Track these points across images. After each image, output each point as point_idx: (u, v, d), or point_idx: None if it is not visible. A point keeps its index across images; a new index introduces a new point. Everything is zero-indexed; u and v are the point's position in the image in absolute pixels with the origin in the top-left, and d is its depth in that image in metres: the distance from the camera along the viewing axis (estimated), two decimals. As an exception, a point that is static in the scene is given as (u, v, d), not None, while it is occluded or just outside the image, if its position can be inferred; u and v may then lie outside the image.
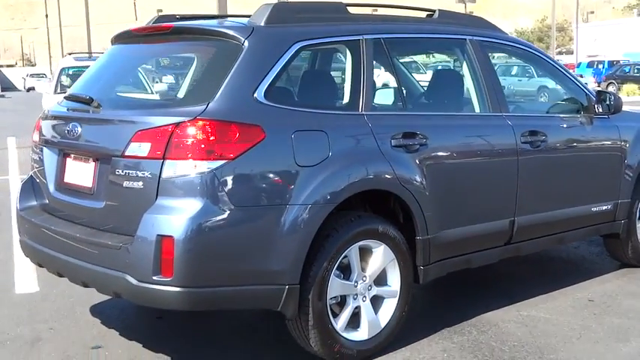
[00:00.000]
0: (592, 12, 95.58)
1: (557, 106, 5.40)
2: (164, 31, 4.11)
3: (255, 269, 3.63)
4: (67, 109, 4.31)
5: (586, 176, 5.30)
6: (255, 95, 3.70)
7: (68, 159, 4.14)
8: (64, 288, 5.42)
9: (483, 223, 4.61)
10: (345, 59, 4.20)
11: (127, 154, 3.65)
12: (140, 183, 3.58)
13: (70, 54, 15.64)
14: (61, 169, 4.19)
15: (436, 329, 4.51)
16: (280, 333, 4.36)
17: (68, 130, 4.02)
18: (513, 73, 21.18)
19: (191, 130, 3.50)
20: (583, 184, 5.28)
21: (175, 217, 3.46)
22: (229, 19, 4.49)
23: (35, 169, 4.44)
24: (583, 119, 5.27)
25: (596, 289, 5.36)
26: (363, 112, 4.07)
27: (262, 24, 3.90)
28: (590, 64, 42.04)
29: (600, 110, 5.35)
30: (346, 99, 4.12)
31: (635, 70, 35.46)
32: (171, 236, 3.44)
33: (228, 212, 3.51)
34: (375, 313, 4.12)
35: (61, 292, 5.35)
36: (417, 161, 4.16)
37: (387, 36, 4.36)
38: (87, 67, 14.21)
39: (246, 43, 3.77)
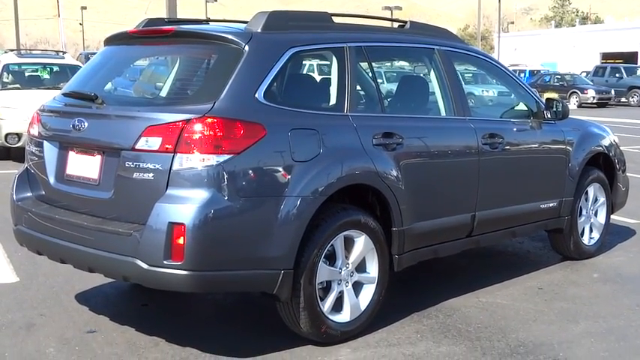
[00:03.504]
0: (512, 22, 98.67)
1: (510, 112, 5.91)
2: (165, 34, 4.40)
3: (255, 255, 3.96)
4: (67, 105, 4.54)
5: (536, 176, 5.82)
6: (256, 95, 4.03)
7: (71, 152, 4.37)
8: (43, 278, 5.62)
9: (449, 216, 5.06)
10: (332, 64, 4.58)
11: (137, 147, 3.92)
12: (150, 175, 3.87)
13: (11, 50, 15.52)
14: (62, 162, 4.41)
15: (406, 314, 4.93)
16: (261, 316, 4.71)
17: (73, 125, 4.25)
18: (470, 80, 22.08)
19: (200, 127, 3.81)
20: (533, 182, 5.80)
21: (186, 206, 3.77)
22: (222, 24, 4.81)
23: (32, 162, 4.65)
24: (533, 124, 5.79)
25: (543, 278, 5.89)
26: (348, 113, 4.46)
27: (259, 30, 4.24)
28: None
29: (549, 116, 5.89)
30: (333, 101, 4.50)
31: (555, 80, 37.04)
32: (182, 223, 3.74)
33: (233, 202, 3.84)
34: (356, 298, 4.50)
35: (43, 282, 5.54)
36: (394, 159, 4.57)
37: (367, 44, 4.77)
38: (35, 63, 14.21)
39: (246, 48, 4.10)
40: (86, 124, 4.21)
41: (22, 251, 6.31)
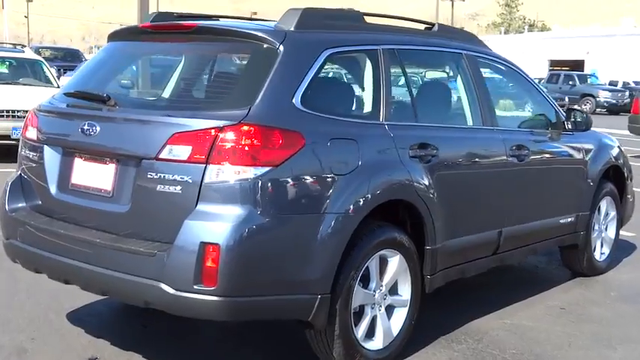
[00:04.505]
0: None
1: (530, 122, 5.61)
2: (186, 30, 3.95)
3: (292, 278, 3.57)
4: (71, 106, 4.06)
5: (556, 189, 5.55)
6: (293, 101, 3.63)
7: (77, 159, 3.90)
8: (25, 295, 5.10)
9: (478, 233, 4.74)
10: (366, 68, 4.20)
11: (161, 157, 3.48)
12: (177, 187, 3.43)
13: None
14: (66, 170, 3.93)
15: (432, 337, 4.57)
16: (272, 338, 4.31)
17: (82, 129, 3.78)
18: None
19: (236, 135, 3.39)
20: (554, 196, 5.53)
21: (220, 224, 3.34)
22: (238, 21, 4.39)
23: (28, 168, 4.15)
24: (554, 135, 5.50)
25: (561, 297, 5.61)
26: (384, 122, 4.09)
27: (293, 29, 3.84)
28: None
29: (569, 127, 5.62)
30: (368, 108, 4.12)
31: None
32: (216, 244, 3.32)
33: (271, 220, 3.43)
34: (389, 322, 4.14)
35: (26, 300, 5.02)
36: (429, 172, 4.22)
37: (400, 47, 4.40)
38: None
39: (281, 48, 3.69)
40: (98, 128, 3.74)
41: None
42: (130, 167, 3.64)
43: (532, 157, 5.14)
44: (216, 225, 3.35)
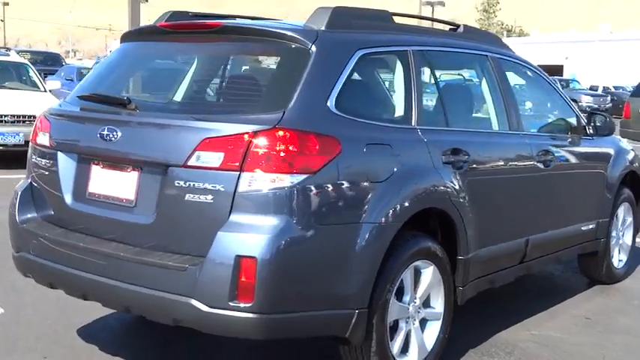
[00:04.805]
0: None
1: (554, 126, 5.45)
2: (209, 30, 3.73)
3: (329, 292, 3.37)
4: (86, 110, 3.83)
5: (579, 196, 5.40)
6: (328, 104, 3.43)
7: (95, 166, 3.66)
8: (32, 309, 4.85)
9: (507, 242, 4.57)
10: (396, 70, 4.01)
11: (190, 164, 3.26)
12: (209, 197, 3.21)
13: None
14: (83, 178, 3.70)
15: (462, 351, 4.39)
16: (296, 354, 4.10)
17: (102, 135, 3.54)
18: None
19: (271, 140, 3.18)
20: (577, 203, 5.38)
21: (257, 236, 3.13)
22: (257, 20, 4.18)
23: (39, 176, 3.91)
24: (576, 140, 5.35)
25: (584, 306, 5.45)
26: (417, 127, 3.90)
27: (324, 28, 3.63)
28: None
29: (591, 132, 5.47)
30: (400, 112, 3.93)
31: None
32: (253, 257, 3.11)
33: (309, 231, 3.22)
34: (422, 337, 3.94)
35: (33, 314, 4.75)
36: (461, 178, 4.05)
37: (428, 48, 4.22)
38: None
39: (313, 48, 3.49)
40: (119, 133, 3.51)
41: (-3, 274, 5.55)
42: (155, 175, 3.41)
43: (557, 162, 4.98)
44: (252, 237, 3.13)
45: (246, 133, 3.19)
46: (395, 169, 3.60)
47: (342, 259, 3.37)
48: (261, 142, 3.17)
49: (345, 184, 3.37)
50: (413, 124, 3.89)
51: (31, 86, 12.55)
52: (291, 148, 3.19)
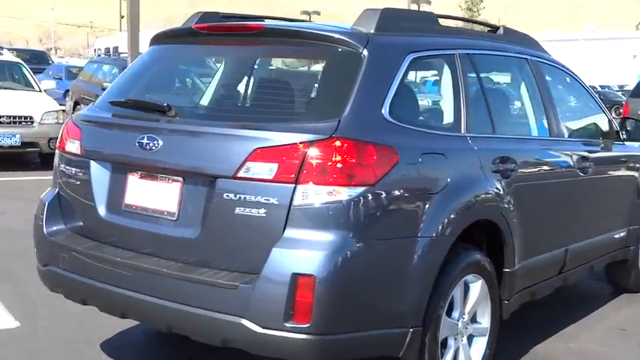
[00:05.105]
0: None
1: (588, 131, 5.30)
2: (250, 32, 3.54)
3: (385, 310, 3.21)
4: (119, 116, 3.62)
5: (612, 203, 5.27)
6: (383, 112, 3.26)
7: (132, 176, 3.46)
8: (48, 322, 4.64)
9: (548, 252, 4.42)
10: (444, 74, 3.84)
11: (240, 175, 3.07)
12: (261, 210, 3.02)
13: None
14: (118, 188, 3.50)
15: (504, 366, 4.24)
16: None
17: (141, 143, 3.34)
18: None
19: (328, 151, 3.00)
20: (610, 210, 5.24)
21: (315, 253, 2.95)
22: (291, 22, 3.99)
23: (68, 185, 3.70)
24: (608, 145, 5.22)
25: (616, 317, 5.31)
26: (466, 134, 3.74)
27: (373, 31, 3.45)
28: (434, 83, 43.45)
29: (623, 136, 5.34)
30: (449, 119, 3.77)
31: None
32: (311, 275, 2.93)
33: (367, 246, 3.05)
34: (470, 354, 3.78)
35: (50, 327, 4.54)
36: (509, 188, 3.89)
37: (474, 51, 4.06)
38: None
39: (365, 52, 3.31)
40: (160, 142, 3.31)
41: (9, 285, 5.32)
42: (199, 187, 3.22)
43: (593, 169, 4.83)
44: (309, 253, 2.95)
45: (301, 142, 3.01)
46: (449, 180, 3.44)
47: (399, 275, 3.20)
48: (318, 152, 2.99)
49: (402, 197, 3.21)
50: (462, 131, 3.73)
51: (26, 86, 12.26)
52: (349, 159, 3.01)
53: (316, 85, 3.51)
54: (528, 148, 4.28)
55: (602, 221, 5.12)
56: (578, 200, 4.68)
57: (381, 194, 3.11)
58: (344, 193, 2.99)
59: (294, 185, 2.98)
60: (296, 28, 3.56)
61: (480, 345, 3.85)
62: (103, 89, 14.27)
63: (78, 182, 3.65)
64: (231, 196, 3.08)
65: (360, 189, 3.03)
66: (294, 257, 2.96)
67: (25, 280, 5.24)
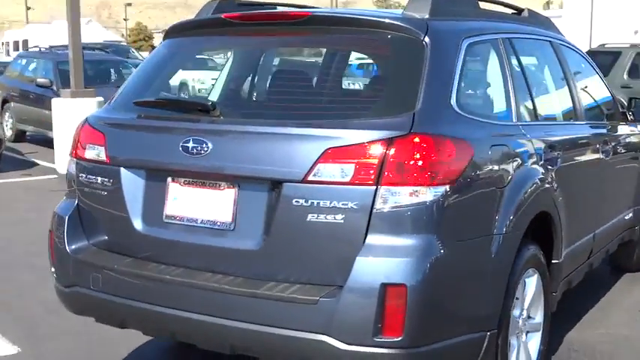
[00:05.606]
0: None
1: (601, 114, 5.19)
2: (293, 20, 3.23)
3: (468, 315, 3.00)
4: (148, 117, 3.28)
5: (624, 184, 5.20)
6: (452, 103, 3.02)
7: (173, 184, 3.12)
8: (49, 345, 4.25)
9: (583, 238, 4.31)
10: (491, 60, 3.63)
11: (311, 178, 2.78)
12: (338, 216, 2.75)
13: None
14: (156, 198, 3.15)
15: (545, 358, 4.09)
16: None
17: (185, 147, 3.00)
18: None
19: (408, 148, 2.75)
20: (622, 192, 5.18)
21: (403, 260, 2.71)
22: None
23: (92, 197, 3.32)
24: (619, 127, 5.14)
25: (629, 300, 5.25)
26: (518, 123, 3.55)
27: (428, 16, 3.20)
28: (359, 66, 43.59)
29: (631, 117, 5.27)
30: (502, 107, 3.56)
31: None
32: (401, 284, 2.68)
33: (452, 248, 2.83)
34: (529, 351, 3.61)
35: (52, 351, 4.15)
36: (556, 176, 3.74)
37: (513, 36, 3.87)
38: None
39: (426, 40, 3.06)
40: (209, 145, 2.98)
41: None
42: (258, 192, 2.92)
43: (612, 151, 4.74)
44: (397, 261, 2.71)
45: (380, 140, 2.75)
46: (513, 172, 3.25)
47: (478, 276, 3.00)
48: (398, 150, 2.74)
49: (478, 193, 3.00)
50: (514, 120, 3.54)
51: None
52: (431, 156, 2.77)
53: (379, 76, 3.24)
54: (568, 134, 4.14)
55: (617, 203, 5.06)
56: (601, 184, 4.59)
57: (461, 192, 2.89)
58: (428, 194, 2.75)
59: (374, 187, 2.72)
60: (349, 15, 3.27)
61: (535, 342, 3.69)
62: (38, 86, 13.73)
63: (104, 193, 3.28)
64: (302, 202, 2.79)
65: (443, 188, 2.79)
66: (382, 266, 2.70)
67: (10, 300, 4.82)
